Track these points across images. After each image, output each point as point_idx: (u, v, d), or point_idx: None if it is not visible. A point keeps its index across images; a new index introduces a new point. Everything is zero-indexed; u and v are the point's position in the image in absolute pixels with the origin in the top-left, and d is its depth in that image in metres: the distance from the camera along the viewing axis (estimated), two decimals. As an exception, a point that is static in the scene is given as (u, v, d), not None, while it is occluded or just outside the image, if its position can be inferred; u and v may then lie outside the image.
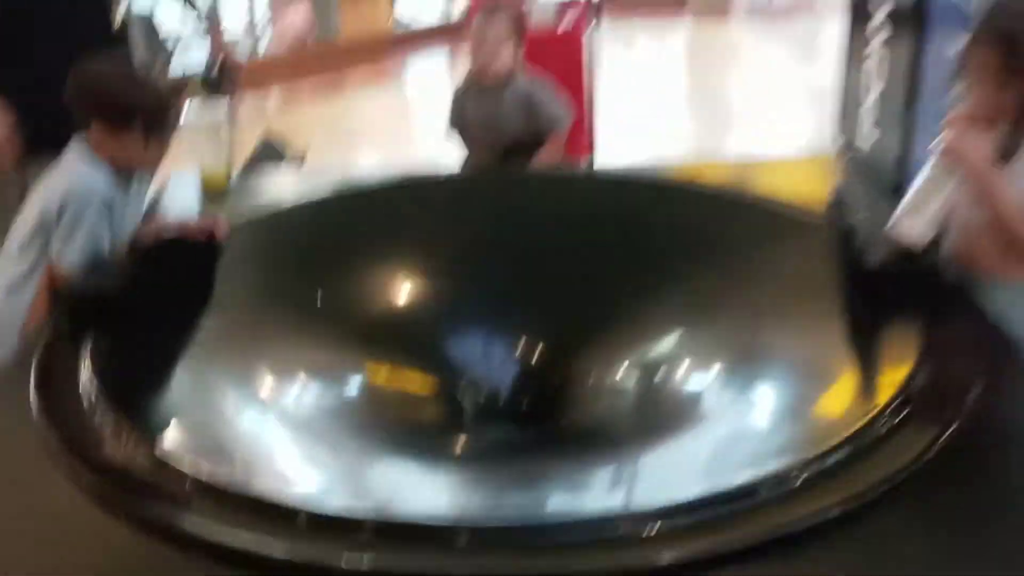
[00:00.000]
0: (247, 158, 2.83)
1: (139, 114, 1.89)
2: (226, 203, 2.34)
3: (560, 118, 2.77)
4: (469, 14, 3.82)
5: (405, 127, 6.29)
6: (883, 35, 4.31)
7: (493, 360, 2.00)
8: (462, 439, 1.72)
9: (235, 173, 2.57)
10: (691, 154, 4.79)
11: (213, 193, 2.41)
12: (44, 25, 2.39)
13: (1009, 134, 1.80)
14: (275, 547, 1.09)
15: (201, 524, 1.15)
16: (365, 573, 1.07)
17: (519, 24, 2.75)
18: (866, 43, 4.48)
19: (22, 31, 2.38)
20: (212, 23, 3.66)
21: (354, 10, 7.75)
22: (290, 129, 4.02)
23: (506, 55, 2.70)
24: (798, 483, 1.20)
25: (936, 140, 1.84)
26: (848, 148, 4.78)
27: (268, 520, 1.15)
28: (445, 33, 8.22)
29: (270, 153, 2.92)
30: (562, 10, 3.80)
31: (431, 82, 7.69)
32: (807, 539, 1.11)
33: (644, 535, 1.12)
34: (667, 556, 1.06)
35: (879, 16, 4.32)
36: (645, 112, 6.34)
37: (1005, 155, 1.81)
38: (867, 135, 4.51)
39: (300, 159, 3.16)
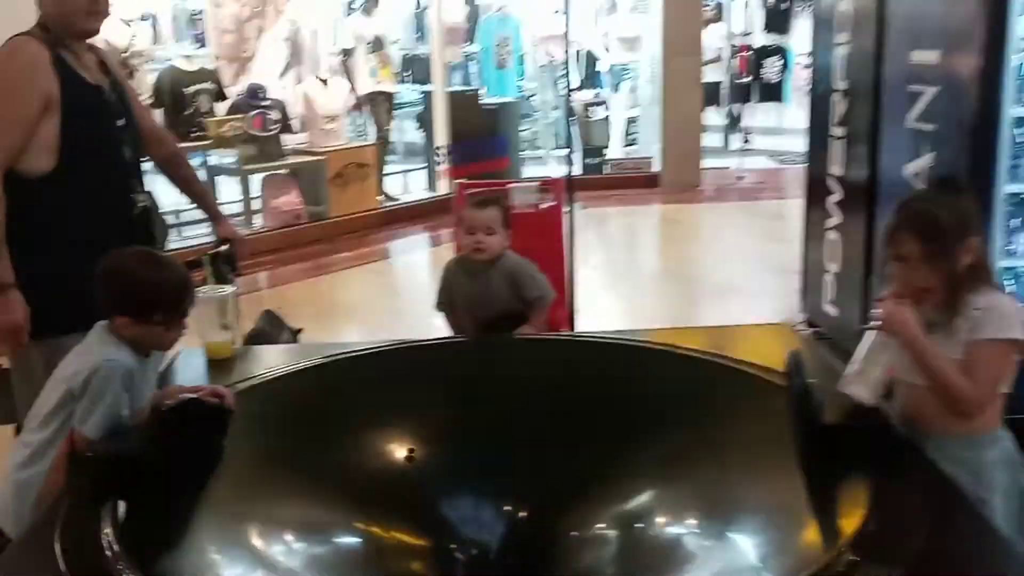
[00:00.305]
0: (248, 332, 3.01)
1: (161, 308, 2.09)
2: (231, 372, 2.50)
3: (543, 296, 2.97)
4: (457, 199, 4.13)
5: (392, 304, 6.51)
6: (838, 213, 4.67)
7: (483, 519, 2.13)
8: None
9: (239, 344, 2.75)
10: (664, 323, 5.01)
11: (218, 363, 2.58)
12: (72, 211, 2.62)
13: (937, 308, 2.03)
14: None
15: None
16: None
17: (506, 213, 3.00)
18: (824, 221, 4.83)
19: (54, 218, 2.60)
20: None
21: (343, 191, 8.14)
22: (283, 304, 4.25)
23: (496, 240, 2.94)
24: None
25: (872, 314, 2.07)
26: (811, 317, 5.07)
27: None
28: (429, 212, 8.62)
29: (270, 328, 3.11)
30: (541, 190, 4.11)
31: (416, 259, 8.01)
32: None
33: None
34: None
35: (834, 196, 4.69)
36: (620, 285, 6.63)
37: (936, 326, 2.05)
38: (828, 305, 4.80)
39: (296, 334, 3.35)
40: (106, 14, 2.75)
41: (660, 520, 1.89)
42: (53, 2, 2.64)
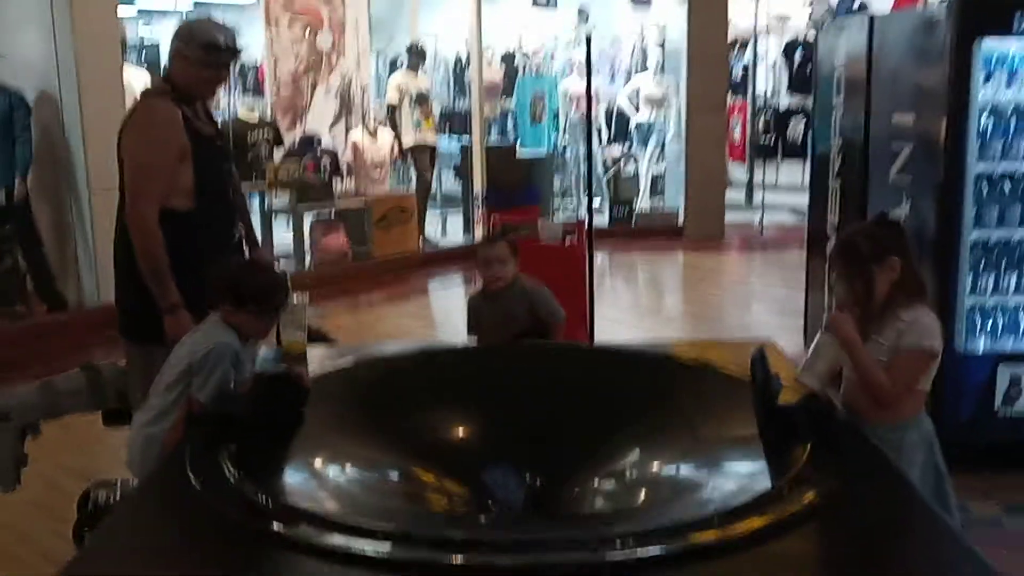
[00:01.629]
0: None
1: (252, 299, 2.67)
2: (303, 365, 3.05)
3: (556, 312, 3.51)
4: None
5: (430, 333, 7.06)
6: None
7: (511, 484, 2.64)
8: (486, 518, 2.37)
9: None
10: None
11: (292, 357, 3.13)
12: (196, 242, 3.23)
13: (862, 317, 2.56)
14: (361, 548, 1.77)
15: (309, 534, 1.84)
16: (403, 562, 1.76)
17: (514, 246, 3.52)
18: (823, 266, 5.34)
19: (182, 248, 3.21)
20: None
21: (386, 233, 8.77)
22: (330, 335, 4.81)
23: (508, 270, 3.46)
24: (715, 520, 1.87)
25: (823, 319, 2.61)
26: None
27: (344, 532, 1.83)
28: (466, 255, 9.22)
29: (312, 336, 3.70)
30: (567, 231, 4.68)
31: (453, 296, 8.59)
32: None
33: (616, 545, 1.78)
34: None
35: (831, 242, 5.21)
36: (642, 322, 7.15)
37: (872, 332, 2.57)
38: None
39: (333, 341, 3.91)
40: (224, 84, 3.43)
41: (643, 472, 2.42)
42: (187, 74, 3.27)
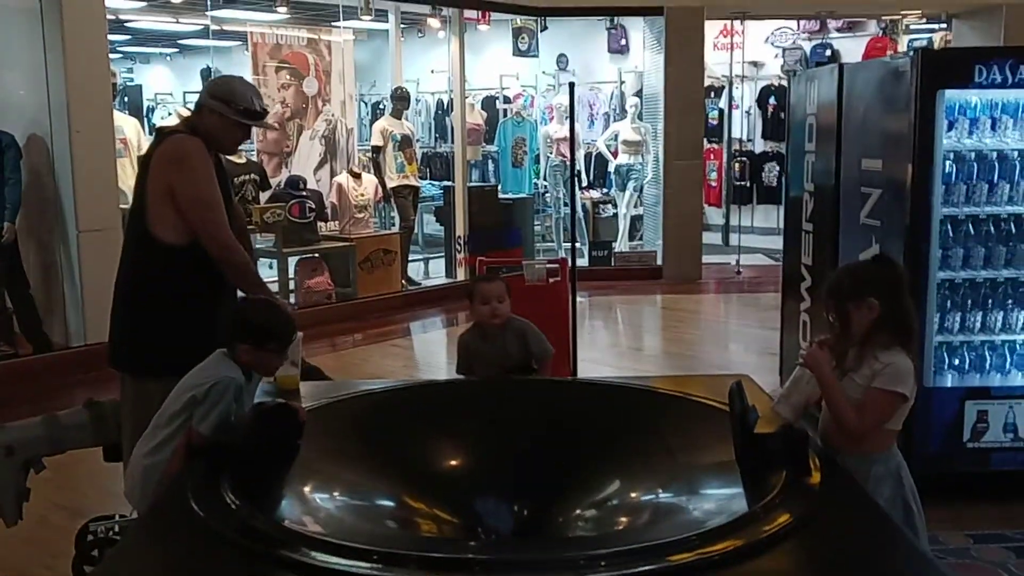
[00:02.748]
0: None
1: (274, 338, 2.78)
2: (297, 399, 3.15)
3: (546, 350, 3.63)
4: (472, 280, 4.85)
5: (412, 374, 7.14)
6: (808, 298, 5.34)
7: (499, 511, 2.75)
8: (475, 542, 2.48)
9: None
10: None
11: (286, 392, 3.23)
12: (200, 275, 3.38)
13: (840, 353, 2.68)
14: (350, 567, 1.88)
15: (301, 555, 1.94)
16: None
17: (508, 285, 3.66)
18: (798, 306, 5.51)
19: (187, 280, 3.37)
20: None
21: (370, 274, 8.89)
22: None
23: (505, 307, 3.58)
24: (694, 541, 1.98)
25: (800, 354, 2.74)
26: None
27: (343, 555, 1.93)
28: (448, 296, 9.35)
29: (307, 373, 3.80)
30: (550, 271, 4.82)
31: (435, 337, 8.69)
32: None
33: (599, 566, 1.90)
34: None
35: (805, 282, 5.38)
36: (621, 361, 7.28)
37: (850, 369, 2.69)
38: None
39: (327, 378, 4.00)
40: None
41: (626, 498, 2.53)
42: (218, 128, 3.44)
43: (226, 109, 3.42)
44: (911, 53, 4.23)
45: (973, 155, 4.14)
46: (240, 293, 3.53)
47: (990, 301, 4.26)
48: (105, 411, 3.47)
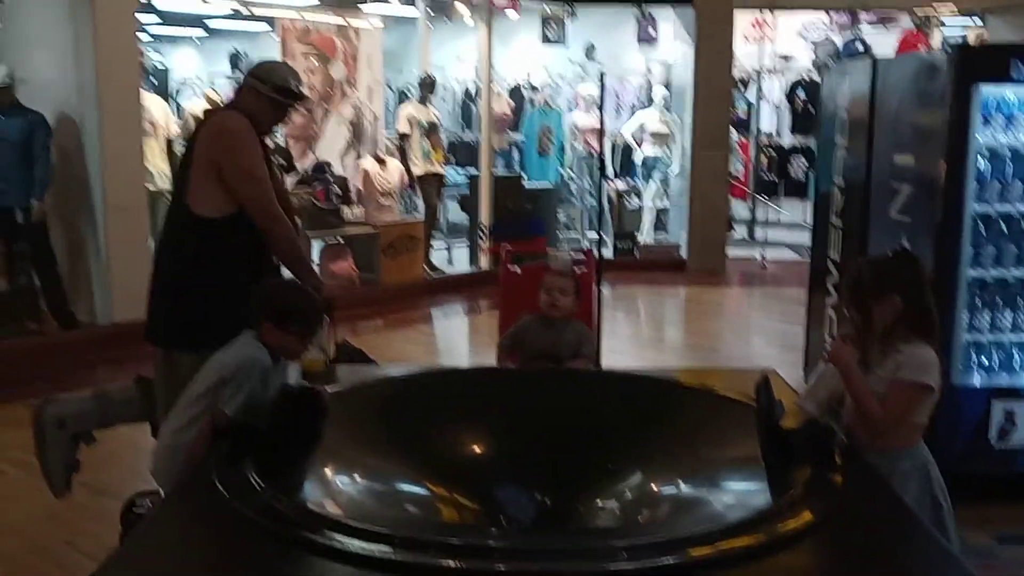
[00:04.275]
0: (332, 356, 3.69)
1: (296, 320, 2.78)
2: (324, 382, 3.16)
3: (594, 351, 3.66)
4: (504, 262, 4.83)
5: (432, 360, 7.14)
6: (835, 293, 5.29)
7: (520, 500, 2.74)
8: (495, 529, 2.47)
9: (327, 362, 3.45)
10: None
11: (313, 375, 3.24)
12: (241, 250, 3.42)
13: (863, 348, 2.66)
14: (370, 551, 1.88)
15: (323, 537, 1.94)
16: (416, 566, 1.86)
17: (578, 283, 3.70)
18: (824, 301, 5.46)
19: (229, 254, 3.41)
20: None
21: (393, 260, 8.90)
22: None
23: (569, 301, 3.61)
24: (715, 535, 1.97)
25: (824, 349, 2.71)
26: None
27: (364, 538, 1.93)
28: (470, 284, 9.35)
29: (349, 354, 3.80)
30: (575, 262, 4.79)
31: (456, 324, 8.70)
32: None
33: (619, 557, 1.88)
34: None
35: (832, 277, 5.33)
36: (644, 353, 7.25)
37: (873, 363, 2.67)
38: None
39: (370, 361, 4.02)
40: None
41: (648, 490, 2.52)
42: (257, 107, 3.47)
43: (261, 86, 3.46)
44: (947, 48, 4.16)
45: (1008, 152, 4.09)
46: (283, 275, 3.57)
47: (1021, 301, 4.20)
48: (153, 388, 3.50)
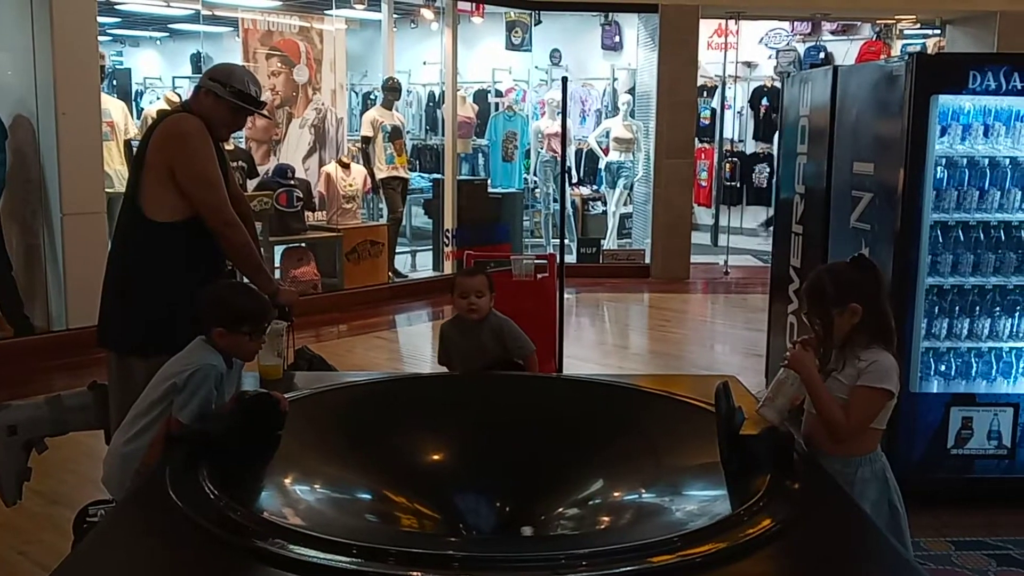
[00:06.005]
0: (290, 363, 3.65)
1: (247, 322, 2.73)
2: (280, 388, 3.12)
3: (525, 345, 3.60)
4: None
5: (396, 366, 7.10)
6: (796, 300, 5.33)
7: (479, 508, 2.72)
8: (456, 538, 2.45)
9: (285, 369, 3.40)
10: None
11: (270, 381, 3.19)
12: (192, 253, 3.36)
13: (823, 354, 2.68)
14: (328, 560, 1.85)
15: (279, 547, 1.91)
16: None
17: (491, 281, 3.64)
18: (786, 307, 5.49)
19: (180, 259, 3.36)
20: None
21: (356, 265, 8.84)
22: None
23: (484, 302, 3.56)
24: (676, 543, 1.96)
25: (784, 355, 2.72)
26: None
27: (322, 548, 1.90)
28: (434, 289, 9.31)
29: (309, 361, 3.75)
30: (538, 266, 4.79)
31: (420, 330, 8.65)
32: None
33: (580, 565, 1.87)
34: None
35: (793, 284, 5.37)
36: (607, 359, 7.26)
37: (834, 370, 2.68)
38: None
39: (330, 368, 3.97)
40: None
41: (609, 497, 2.51)
42: (213, 110, 3.40)
43: (220, 89, 3.39)
44: (905, 57, 4.21)
45: (965, 161, 4.14)
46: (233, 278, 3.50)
47: (978, 308, 4.25)
48: (109, 394, 3.43)
